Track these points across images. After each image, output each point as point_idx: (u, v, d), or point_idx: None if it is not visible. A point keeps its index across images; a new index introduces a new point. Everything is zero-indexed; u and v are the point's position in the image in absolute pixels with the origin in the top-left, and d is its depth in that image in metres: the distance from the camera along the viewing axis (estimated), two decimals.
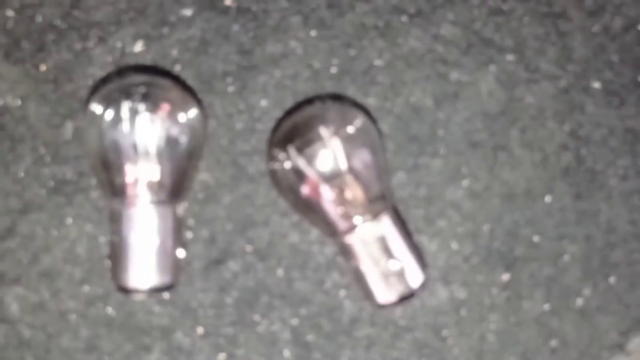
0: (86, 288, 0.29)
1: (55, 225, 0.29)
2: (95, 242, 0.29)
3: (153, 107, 0.26)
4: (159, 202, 0.27)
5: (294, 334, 0.29)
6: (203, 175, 0.29)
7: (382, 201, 0.27)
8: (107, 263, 0.29)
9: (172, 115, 0.26)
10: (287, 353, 0.29)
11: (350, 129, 0.27)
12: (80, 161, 0.30)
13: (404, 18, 0.31)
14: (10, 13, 0.30)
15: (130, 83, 0.27)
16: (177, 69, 0.30)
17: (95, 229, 0.29)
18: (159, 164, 0.26)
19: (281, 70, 0.30)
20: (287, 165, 0.26)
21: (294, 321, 0.29)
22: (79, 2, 0.30)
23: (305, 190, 0.26)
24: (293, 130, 0.27)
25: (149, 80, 0.27)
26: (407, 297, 0.27)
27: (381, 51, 0.30)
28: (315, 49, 0.31)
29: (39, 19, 0.30)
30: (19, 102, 0.30)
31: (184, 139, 0.27)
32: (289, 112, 0.30)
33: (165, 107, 0.26)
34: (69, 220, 0.29)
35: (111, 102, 0.26)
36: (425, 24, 0.31)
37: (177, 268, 0.28)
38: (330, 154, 0.26)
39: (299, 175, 0.26)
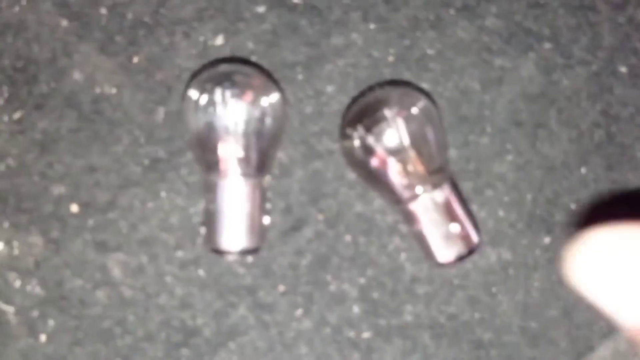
0: (180, 253, 0.33)
1: (150, 198, 0.33)
2: (187, 213, 0.33)
3: (241, 93, 0.30)
4: (246, 175, 0.31)
5: (362, 292, 0.33)
6: (278, 154, 0.33)
7: (441, 173, 0.31)
8: (198, 230, 0.33)
9: (257, 99, 0.30)
10: (355, 309, 0.33)
11: (413, 110, 0.30)
12: (171, 142, 0.33)
13: (452, 11, 0.35)
14: (103, 11, 0.34)
15: (221, 72, 0.31)
16: (253, 59, 0.34)
17: (186, 201, 0.33)
18: (247, 143, 0.30)
19: (344, 60, 0.34)
20: (357, 142, 0.30)
21: (361, 281, 0.33)
22: (165, 1, 0.34)
23: (373, 163, 0.30)
24: (362, 112, 0.31)
25: (237, 69, 0.31)
26: (464, 257, 0.31)
27: (432, 41, 0.34)
28: (374, 40, 0.34)
29: (129, 16, 0.34)
30: (114, 91, 0.34)
31: (267, 120, 0.31)
32: (354, 97, 0.34)
33: (251, 93, 0.30)
34: (163, 194, 0.33)
35: (206, 89, 0.30)
36: (471, 17, 0.35)
37: (262, 233, 0.32)
38: (394, 131, 0.30)
39: (368, 150, 0.30)
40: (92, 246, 0.33)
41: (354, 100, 0.33)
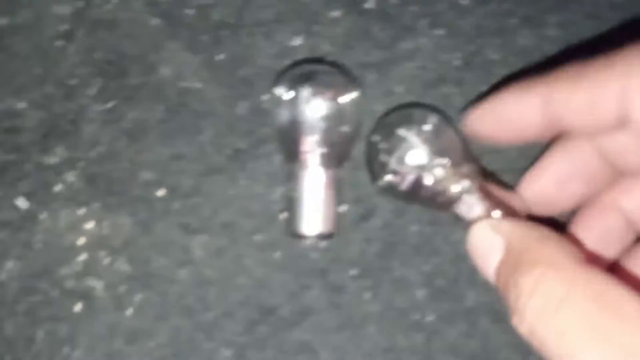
0: (258, 237, 0.36)
1: (232, 185, 0.36)
2: (265, 200, 0.36)
3: (323, 91, 0.33)
4: (326, 167, 0.33)
5: (426, 278, 0.36)
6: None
7: (471, 177, 0.32)
8: (275, 216, 0.36)
9: (338, 97, 0.33)
10: (420, 294, 0.36)
11: (427, 128, 0.32)
12: (252, 134, 0.36)
13: (515, 20, 0.37)
14: (190, 11, 0.37)
15: (306, 71, 0.33)
16: (328, 58, 0.37)
17: (265, 189, 0.36)
18: (327, 137, 0.33)
19: (413, 63, 0.37)
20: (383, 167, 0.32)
21: (426, 268, 0.36)
22: (248, 3, 0.37)
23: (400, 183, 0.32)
24: (382, 136, 0.33)
25: (320, 68, 0.34)
26: None
27: (496, 48, 0.37)
28: (441, 45, 0.37)
29: (214, 16, 0.37)
30: (199, 85, 0.36)
31: (347, 117, 0.33)
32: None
33: (332, 91, 0.33)
34: (243, 182, 0.36)
35: (291, 86, 0.33)
36: (532, 26, 0.37)
37: (337, 221, 0.34)
38: (415, 151, 0.32)
39: (395, 173, 0.32)
40: (177, 228, 0.36)
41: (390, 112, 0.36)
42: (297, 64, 0.35)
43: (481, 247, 0.28)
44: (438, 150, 0.32)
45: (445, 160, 0.32)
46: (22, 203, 0.36)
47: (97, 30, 0.36)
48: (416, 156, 0.32)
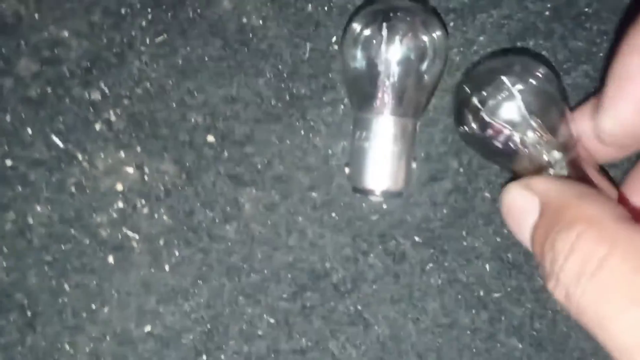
0: (314, 194, 0.32)
1: (288, 135, 0.32)
2: (324, 154, 0.32)
3: (405, 29, 0.29)
4: (401, 115, 0.30)
5: (495, 251, 0.32)
6: None
7: (565, 149, 0.28)
8: (334, 172, 0.32)
9: (421, 37, 0.29)
10: (487, 267, 0.32)
11: (532, 82, 0.28)
12: (315, 79, 0.32)
13: None
14: None
15: (386, 7, 0.30)
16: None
17: (325, 141, 0.32)
18: (406, 81, 0.29)
19: (499, 10, 0.33)
20: (471, 117, 0.29)
21: (496, 239, 0.32)
22: None
23: (490, 137, 0.28)
24: (479, 80, 0.29)
25: (402, 4, 0.30)
26: None
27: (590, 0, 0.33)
28: None
29: None
30: (261, 22, 0.33)
31: (429, 60, 0.29)
32: (504, 51, 0.33)
33: (415, 29, 0.29)
34: (302, 132, 0.32)
35: (369, 23, 0.29)
36: None
37: (409, 178, 0.30)
38: (512, 103, 0.28)
39: (484, 124, 0.28)
40: (225, 179, 0.32)
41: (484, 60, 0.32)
42: (372, 1, 0.32)
43: (515, 209, 0.26)
44: (538, 110, 0.28)
45: (541, 123, 0.28)
46: (58, 141, 0.32)
47: None
48: (512, 110, 0.28)
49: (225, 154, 0.32)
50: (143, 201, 0.32)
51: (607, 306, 0.20)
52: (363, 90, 0.29)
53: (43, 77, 0.33)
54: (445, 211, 0.32)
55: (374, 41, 0.29)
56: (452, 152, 0.32)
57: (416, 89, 0.29)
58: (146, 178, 0.32)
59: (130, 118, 0.32)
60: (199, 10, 0.33)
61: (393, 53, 0.29)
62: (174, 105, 0.32)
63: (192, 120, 0.32)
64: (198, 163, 0.32)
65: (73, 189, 0.32)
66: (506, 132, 0.28)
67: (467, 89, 0.29)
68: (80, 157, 0.32)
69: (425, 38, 0.29)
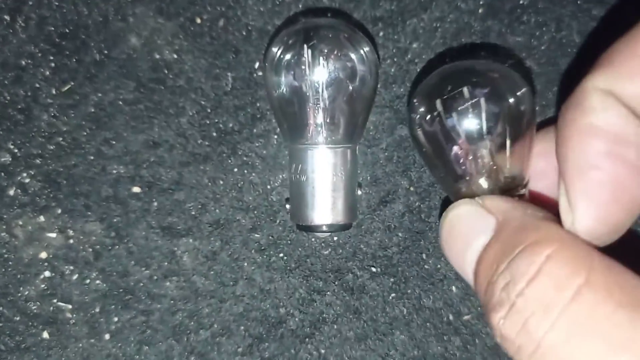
0: (257, 235, 0.30)
1: (221, 175, 0.30)
2: (263, 190, 0.30)
3: (329, 49, 0.26)
4: (337, 142, 0.27)
5: None
6: None
7: (516, 185, 0.25)
8: (276, 209, 0.29)
9: (347, 53, 0.27)
10: (454, 289, 0.30)
11: (510, 98, 0.24)
12: (242, 111, 0.30)
13: None
14: None
15: (306, 27, 0.27)
16: (328, 15, 0.30)
17: (262, 176, 0.30)
18: (337, 105, 0.27)
19: (430, 13, 0.31)
20: (429, 120, 0.25)
21: None
22: None
23: (448, 145, 0.25)
24: (439, 86, 0.25)
25: (323, 22, 0.27)
26: None
27: None
28: None
29: None
30: (175, 56, 0.30)
31: (359, 79, 0.27)
32: (440, 56, 0.30)
33: (340, 47, 0.27)
34: (235, 170, 0.30)
35: (289, 46, 0.27)
36: None
37: (354, 207, 0.28)
38: (475, 116, 0.24)
39: (443, 130, 0.25)
40: (158, 231, 0.29)
41: (432, 65, 0.29)
42: (293, 20, 0.29)
43: (462, 227, 0.22)
44: (500, 121, 0.24)
45: (503, 136, 0.24)
46: None
47: None
48: (472, 120, 0.24)
49: (155, 204, 0.29)
50: (71, 267, 0.29)
51: (584, 350, 0.17)
52: (292, 119, 0.27)
53: None
54: (400, 235, 0.30)
55: (297, 65, 0.26)
56: (400, 171, 0.30)
57: (350, 111, 0.27)
58: (71, 242, 0.29)
59: (46, 178, 0.29)
60: (105, 52, 0.30)
61: (319, 75, 0.26)
62: (92, 158, 0.30)
63: (114, 172, 0.30)
64: (126, 218, 0.29)
65: None
66: (462, 142, 0.24)
67: (428, 92, 0.25)
68: None
69: (352, 55, 0.27)
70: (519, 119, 0.24)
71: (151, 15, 0.30)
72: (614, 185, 0.20)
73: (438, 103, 0.25)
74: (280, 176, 0.30)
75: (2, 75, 0.30)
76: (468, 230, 0.22)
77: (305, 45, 0.26)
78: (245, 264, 0.29)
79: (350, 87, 0.27)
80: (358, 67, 0.27)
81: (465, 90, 0.24)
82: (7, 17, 0.30)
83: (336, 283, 0.30)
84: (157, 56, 0.30)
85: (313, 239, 0.30)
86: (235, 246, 0.29)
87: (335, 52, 0.26)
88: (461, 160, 0.25)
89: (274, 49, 0.27)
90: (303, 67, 0.26)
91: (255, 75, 0.30)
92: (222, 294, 0.29)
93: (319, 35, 0.26)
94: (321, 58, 0.26)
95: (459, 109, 0.24)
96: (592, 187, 0.21)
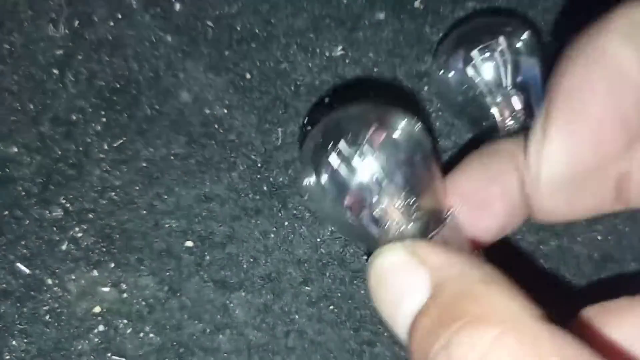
0: (307, 288, 0.30)
1: (272, 229, 0.30)
2: (313, 242, 0.30)
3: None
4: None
5: None
6: None
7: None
8: (327, 262, 0.30)
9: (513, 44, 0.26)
10: None
11: (396, 134, 0.23)
12: (292, 165, 0.30)
13: None
14: (209, 23, 0.31)
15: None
16: (375, 70, 0.31)
17: (311, 230, 0.30)
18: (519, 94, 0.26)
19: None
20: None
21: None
22: (276, 9, 0.31)
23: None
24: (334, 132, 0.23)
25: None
26: None
27: None
28: None
29: (238, 27, 0.31)
30: (225, 111, 0.30)
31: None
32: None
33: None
34: (285, 223, 0.30)
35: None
36: None
37: None
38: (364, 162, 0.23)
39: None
40: (211, 285, 0.30)
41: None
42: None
43: (392, 281, 0.19)
44: (397, 170, 0.22)
45: (402, 187, 0.22)
46: (23, 267, 0.30)
47: (98, 52, 0.30)
48: (365, 169, 0.22)
49: (207, 257, 0.30)
50: (125, 321, 0.30)
51: None
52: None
53: None
54: None
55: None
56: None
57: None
58: (125, 296, 0.30)
59: (99, 233, 0.30)
60: (156, 107, 0.30)
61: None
62: (144, 212, 0.30)
63: (166, 226, 0.30)
64: (179, 272, 0.30)
65: (47, 318, 0.30)
66: (359, 194, 0.22)
67: (320, 143, 0.23)
68: (50, 282, 0.30)
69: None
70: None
71: (201, 71, 0.30)
72: (601, 127, 0.19)
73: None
74: (330, 229, 0.30)
75: (53, 130, 0.30)
76: (399, 285, 0.19)
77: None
78: (297, 316, 0.30)
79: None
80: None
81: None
82: (56, 71, 0.30)
83: (386, 334, 0.30)
84: (208, 111, 0.30)
85: (362, 291, 0.30)
86: (286, 299, 0.30)
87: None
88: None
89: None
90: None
91: (303, 130, 0.30)
92: (274, 346, 0.30)
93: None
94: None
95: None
96: (580, 121, 0.19)
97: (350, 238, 0.29)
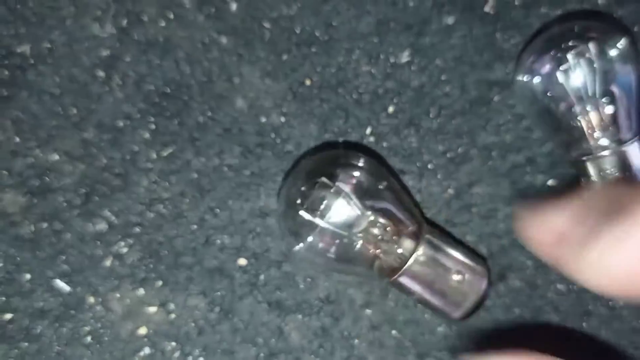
0: (368, 311, 0.28)
1: None
2: None
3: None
4: (621, 142, 0.25)
5: None
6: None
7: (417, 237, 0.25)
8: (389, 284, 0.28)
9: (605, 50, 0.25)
10: None
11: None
12: None
13: None
14: (267, 24, 0.29)
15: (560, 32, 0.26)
16: (442, 79, 0.29)
17: None
18: (610, 103, 0.25)
19: None
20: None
21: None
22: (338, 11, 0.29)
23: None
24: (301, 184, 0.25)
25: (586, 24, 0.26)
26: None
27: None
28: None
29: (298, 30, 0.29)
30: (283, 119, 0.28)
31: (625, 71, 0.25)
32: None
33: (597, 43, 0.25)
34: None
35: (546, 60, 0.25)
36: None
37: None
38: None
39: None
40: (265, 306, 0.28)
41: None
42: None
43: None
44: (373, 204, 0.24)
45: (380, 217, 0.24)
46: (63, 284, 0.28)
47: (147, 54, 0.28)
48: (342, 210, 0.23)
49: (262, 277, 0.28)
50: (173, 344, 0.28)
51: None
52: (563, 133, 0.26)
53: (35, 211, 0.28)
54: (517, 311, 0.28)
55: (552, 77, 0.25)
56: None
57: (624, 108, 0.25)
58: (173, 316, 0.28)
59: (145, 248, 0.28)
60: (209, 114, 0.28)
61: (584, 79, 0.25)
62: (195, 227, 0.28)
63: (218, 242, 0.28)
64: (231, 292, 0.28)
65: (89, 339, 0.28)
66: (341, 235, 0.24)
67: (293, 199, 0.24)
68: (91, 300, 0.28)
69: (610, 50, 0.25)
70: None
71: (258, 76, 0.28)
72: None
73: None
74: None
75: (99, 137, 0.28)
76: None
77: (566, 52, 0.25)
78: (356, 341, 0.28)
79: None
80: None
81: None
82: (101, 74, 0.28)
83: None
84: (264, 119, 0.28)
85: (426, 315, 0.28)
86: (346, 323, 0.28)
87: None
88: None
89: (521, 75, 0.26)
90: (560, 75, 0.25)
91: (365, 141, 0.28)
92: None
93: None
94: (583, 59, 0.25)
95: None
96: None
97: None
